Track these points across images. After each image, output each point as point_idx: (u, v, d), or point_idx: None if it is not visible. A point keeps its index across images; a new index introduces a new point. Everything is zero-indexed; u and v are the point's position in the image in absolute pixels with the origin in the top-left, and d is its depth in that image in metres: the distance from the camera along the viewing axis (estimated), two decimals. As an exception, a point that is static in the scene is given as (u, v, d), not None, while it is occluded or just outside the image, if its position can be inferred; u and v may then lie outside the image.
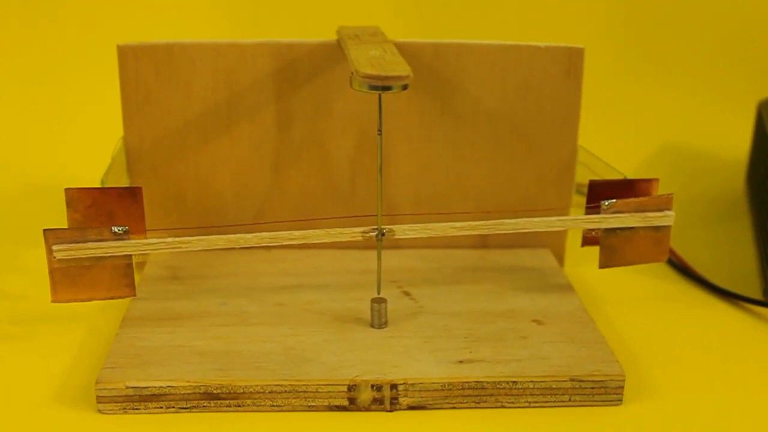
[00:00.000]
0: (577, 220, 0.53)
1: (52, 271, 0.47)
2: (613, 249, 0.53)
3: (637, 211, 0.52)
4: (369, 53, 0.48)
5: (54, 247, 0.47)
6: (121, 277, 0.48)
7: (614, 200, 0.52)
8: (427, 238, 0.52)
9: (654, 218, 0.52)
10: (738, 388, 0.49)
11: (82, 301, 0.48)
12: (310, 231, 0.50)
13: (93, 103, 0.82)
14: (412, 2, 0.88)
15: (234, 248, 0.60)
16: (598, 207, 0.52)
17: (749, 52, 0.91)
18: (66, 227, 0.47)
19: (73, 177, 0.66)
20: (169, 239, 0.49)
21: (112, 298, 0.48)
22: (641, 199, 0.52)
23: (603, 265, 0.53)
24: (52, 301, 0.48)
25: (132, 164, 0.59)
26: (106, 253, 0.47)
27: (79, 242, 0.47)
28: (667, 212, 0.52)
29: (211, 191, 0.60)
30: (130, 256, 0.48)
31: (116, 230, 0.47)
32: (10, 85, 0.84)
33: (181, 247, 0.49)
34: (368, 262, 0.59)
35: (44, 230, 0.47)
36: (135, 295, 0.49)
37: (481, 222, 0.51)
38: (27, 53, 0.85)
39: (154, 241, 0.48)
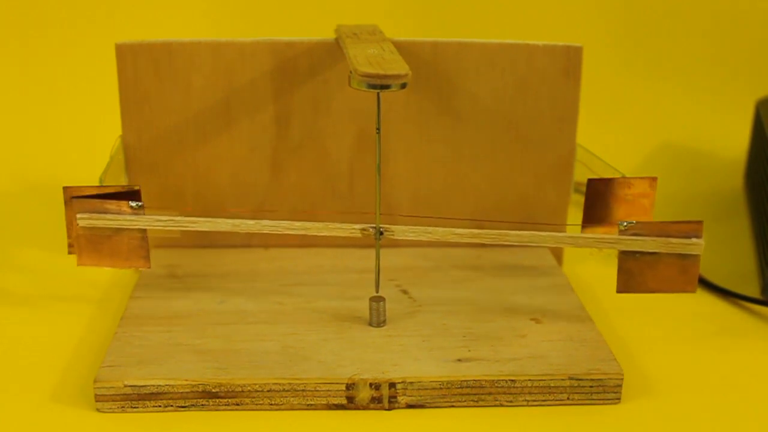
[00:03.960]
0: (589, 239, 0.50)
1: (77, 237, 0.50)
2: (631, 273, 0.50)
3: (659, 235, 0.49)
4: (367, 52, 0.48)
5: (78, 216, 0.49)
6: (137, 249, 0.50)
7: (633, 221, 0.49)
8: (426, 237, 0.52)
9: (678, 245, 0.48)
10: (736, 386, 0.49)
11: (105, 266, 0.51)
12: (310, 223, 0.50)
13: (91, 101, 0.82)
14: (411, 1, 0.88)
15: (232, 246, 0.61)
16: (600, 226, 0.50)
17: (748, 52, 0.91)
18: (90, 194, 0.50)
19: (71, 175, 0.66)
20: (178, 217, 0.51)
21: (130, 267, 0.51)
22: (664, 222, 0.49)
23: (621, 290, 0.50)
24: (78, 265, 0.51)
25: (130, 163, 0.59)
26: (122, 225, 0.50)
27: (100, 212, 0.49)
28: (695, 240, 0.48)
29: (210, 189, 0.60)
30: (145, 230, 0.50)
31: (133, 205, 0.50)
32: (8, 84, 0.84)
33: (189, 226, 0.51)
34: (367, 260, 0.59)
35: (72, 197, 0.49)
36: (149, 267, 0.51)
37: (485, 231, 0.50)
38: (26, 52, 0.85)
39: (165, 217, 0.50)
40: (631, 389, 0.48)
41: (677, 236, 0.49)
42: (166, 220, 0.50)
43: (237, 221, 0.51)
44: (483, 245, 0.62)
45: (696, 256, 0.49)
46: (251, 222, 0.51)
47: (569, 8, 0.89)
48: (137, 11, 0.86)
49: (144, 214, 0.50)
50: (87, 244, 0.50)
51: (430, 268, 0.59)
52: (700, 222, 0.49)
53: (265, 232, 0.51)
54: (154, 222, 0.50)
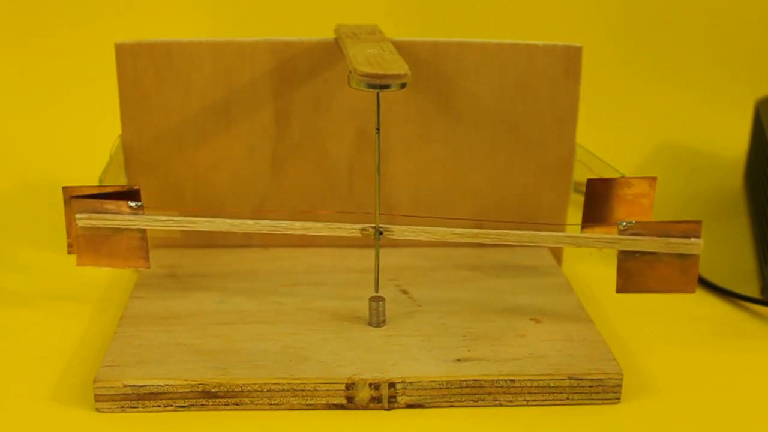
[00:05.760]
0: (588, 239, 0.50)
1: (76, 237, 0.50)
2: (630, 273, 0.50)
3: (659, 235, 0.49)
4: (367, 51, 0.48)
5: (77, 215, 0.49)
6: (137, 249, 0.51)
7: (633, 221, 0.49)
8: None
9: (678, 245, 0.48)
10: (736, 386, 0.49)
11: (104, 266, 0.51)
12: (310, 222, 0.51)
13: (91, 101, 0.82)
14: (411, 1, 0.88)
15: (232, 246, 0.61)
16: (595, 225, 0.50)
17: (747, 51, 0.91)
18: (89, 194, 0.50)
19: (71, 175, 0.66)
20: (178, 217, 0.51)
21: (129, 267, 0.51)
22: (664, 222, 0.49)
23: (621, 289, 0.50)
24: (77, 265, 0.51)
25: (130, 162, 0.59)
26: (121, 225, 0.50)
27: (99, 212, 0.49)
28: (694, 240, 0.48)
29: (210, 189, 0.60)
30: (144, 230, 0.50)
31: (132, 205, 0.50)
32: (8, 84, 0.84)
33: (188, 226, 0.51)
34: (366, 260, 0.59)
35: (71, 197, 0.49)
36: (149, 267, 0.51)
37: (484, 231, 0.50)
38: (26, 52, 0.85)
39: (164, 217, 0.50)
40: (630, 389, 0.48)
41: (676, 236, 0.48)
42: (165, 220, 0.50)
43: (237, 221, 0.51)
44: (483, 245, 0.62)
45: (695, 256, 0.49)
46: (251, 222, 0.51)
47: (569, 8, 0.89)
48: (137, 11, 0.86)
49: (143, 214, 0.50)
50: (86, 244, 0.50)
51: (430, 268, 0.59)
52: (699, 222, 0.48)
53: (265, 231, 0.51)
54: (153, 222, 0.50)
